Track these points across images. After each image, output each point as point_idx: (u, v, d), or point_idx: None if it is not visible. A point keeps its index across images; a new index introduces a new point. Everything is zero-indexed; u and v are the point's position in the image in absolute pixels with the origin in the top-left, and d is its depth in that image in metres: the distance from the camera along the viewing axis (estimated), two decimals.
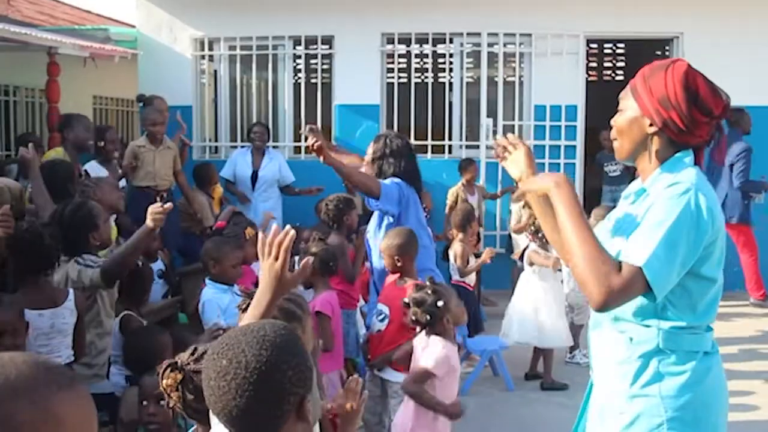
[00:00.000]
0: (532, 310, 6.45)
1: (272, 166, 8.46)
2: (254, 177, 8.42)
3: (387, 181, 4.97)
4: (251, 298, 2.37)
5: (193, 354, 2.19)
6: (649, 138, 2.36)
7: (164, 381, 2.08)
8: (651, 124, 2.34)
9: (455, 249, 7.00)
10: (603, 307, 2.18)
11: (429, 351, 3.93)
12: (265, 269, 2.10)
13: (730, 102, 2.39)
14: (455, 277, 6.95)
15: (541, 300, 6.45)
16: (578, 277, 2.21)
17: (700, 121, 2.31)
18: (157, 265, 5.88)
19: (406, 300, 4.02)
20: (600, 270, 2.14)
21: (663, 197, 2.22)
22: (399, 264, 4.62)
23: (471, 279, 7.00)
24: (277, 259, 2.07)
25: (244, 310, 2.37)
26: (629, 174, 9.32)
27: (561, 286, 6.65)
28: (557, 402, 6.02)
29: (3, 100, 10.16)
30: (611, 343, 2.37)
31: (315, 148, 4.64)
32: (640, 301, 2.23)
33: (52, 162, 5.36)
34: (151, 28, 9.89)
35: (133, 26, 10.08)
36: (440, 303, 3.89)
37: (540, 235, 6.34)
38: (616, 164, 9.61)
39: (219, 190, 8.34)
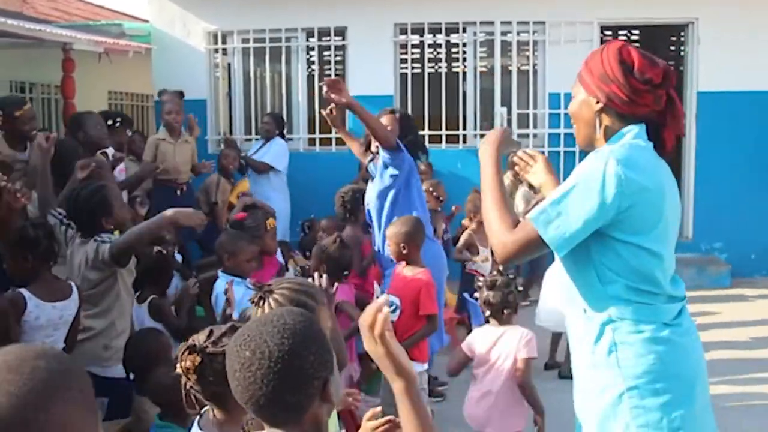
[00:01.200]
0: (558, 295, 6.44)
1: (262, 152, 8.48)
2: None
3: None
4: (262, 291, 2.39)
5: (209, 336, 2.21)
6: (596, 117, 2.51)
7: (183, 363, 2.11)
8: (597, 102, 2.50)
9: (463, 238, 7.03)
10: (503, 260, 2.45)
11: (521, 340, 4.08)
12: (374, 356, 1.78)
13: (670, 69, 2.50)
14: (470, 266, 6.95)
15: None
16: (488, 235, 2.48)
17: (641, 89, 2.43)
18: (176, 258, 5.92)
19: (480, 283, 4.19)
20: (500, 227, 2.43)
21: (579, 165, 2.38)
22: (405, 252, 4.63)
23: (485, 270, 6.98)
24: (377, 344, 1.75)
25: (256, 302, 2.38)
26: None
27: None
28: (573, 390, 6.00)
29: (21, 96, 10.23)
30: (574, 319, 2.53)
31: (331, 90, 4.75)
32: (582, 271, 2.40)
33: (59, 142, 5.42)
34: (165, 22, 9.93)
35: (147, 21, 10.12)
36: (519, 288, 4.15)
37: None
38: None
39: (245, 183, 8.34)
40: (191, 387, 2.13)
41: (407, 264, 4.69)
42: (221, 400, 2.14)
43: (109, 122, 6.57)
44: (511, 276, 4.25)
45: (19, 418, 1.00)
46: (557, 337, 6.54)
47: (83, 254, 4.06)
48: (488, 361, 4.16)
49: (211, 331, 2.26)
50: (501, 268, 4.22)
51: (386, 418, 2.35)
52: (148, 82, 10.10)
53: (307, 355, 1.65)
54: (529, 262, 8.22)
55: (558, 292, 6.47)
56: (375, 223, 5.37)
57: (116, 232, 4.53)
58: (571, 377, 6.32)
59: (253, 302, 2.40)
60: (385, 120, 5.18)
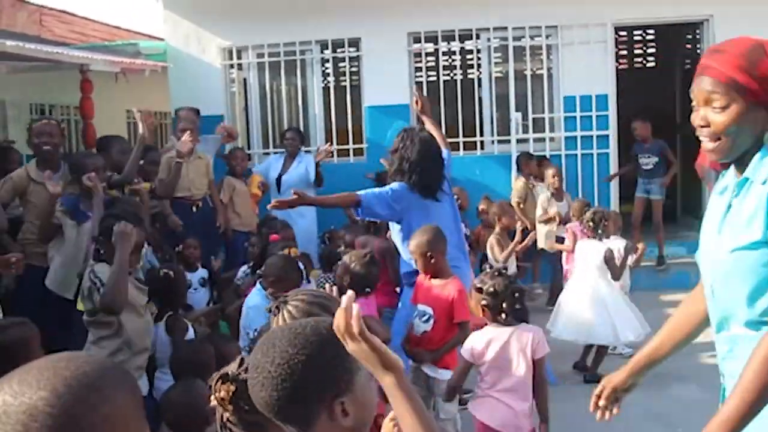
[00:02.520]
0: (585, 305, 6.41)
1: (299, 169, 8.43)
2: (279, 181, 8.47)
3: (386, 188, 5.18)
4: (278, 301, 2.40)
5: (241, 365, 2.17)
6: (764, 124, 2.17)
7: (217, 394, 2.00)
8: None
9: (490, 241, 7.02)
10: None
11: (533, 340, 4.01)
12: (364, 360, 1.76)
13: None
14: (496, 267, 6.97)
15: (597, 295, 6.41)
16: None
17: None
18: (200, 273, 5.96)
19: (479, 285, 4.06)
20: None
21: None
22: (432, 261, 4.62)
23: (511, 268, 6.98)
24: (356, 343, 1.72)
25: (273, 312, 2.39)
26: (663, 166, 9.20)
27: (607, 279, 6.56)
28: None
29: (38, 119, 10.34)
30: (745, 341, 2.27)
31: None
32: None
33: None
34: (180, 40, 10.00)
35: (162, 39, 10.20)
36: (516, 292, 4.00)
37: (598, 230, 6.38)
38: (649, 156, 9.33)
39: (257, 178, 8.39)
40: (228, 420, 2.02)
41: (434, 274, 4.67)
42: (259, 430, 2.03)
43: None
44: (509, 277, 4.13)
45: (72, 395, 1.04)
46: (603, 349, 6.50)
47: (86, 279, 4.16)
48: (501, 364, 4.06)
49: (242, 360, 2.20)
50: (500, 269, 4.17)
51: None
52: (165, 99, 10.17)
53: (309, 367, 1.62)
54: (551, 269, 8.20)
55: (575, 303, 6.46)
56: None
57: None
58: (594, 381, 6.30)
59: (269, 311, 2.42)
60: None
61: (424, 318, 4.58)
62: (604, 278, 6.44)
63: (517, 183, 8.78)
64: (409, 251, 4.82)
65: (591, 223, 6.44)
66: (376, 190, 5.19)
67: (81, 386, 1.06)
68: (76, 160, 5.59)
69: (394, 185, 5.16)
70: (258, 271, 4.88)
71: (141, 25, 10.69)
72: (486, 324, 4.14)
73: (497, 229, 7.08)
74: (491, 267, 6.82)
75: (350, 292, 1.62)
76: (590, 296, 6.40)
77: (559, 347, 6.78)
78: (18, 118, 9.87)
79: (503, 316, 4.02)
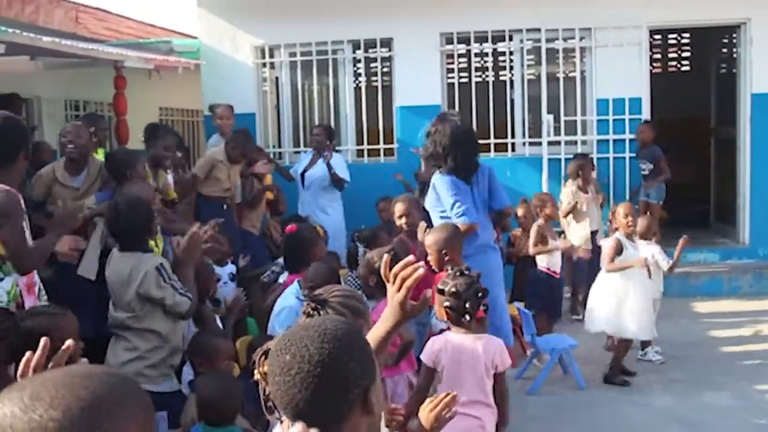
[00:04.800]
0: (616, 300, 6.37)
1: (322, 166, 8.45)
2: (303, 177, 8.52)
3: (434, 189, 5.20)
4: (314, 302, 2.39)
5: None
6: None
7: (260, 368, 2.03)
8: None
9: (533, 228, 7.00)
10: None
11: (495, 352, 3.83)
12: (389, 296, 2.15)
13: None
14: (541, 264, 6.95)
15: (624, 290, 6.37)
16: None
17: None
18: (229, 268, 5.98)
19: (441, 286, 3.85)
20: None
21: None
22: (447, 258, 4.59)
23: (556, 266, 6.93)
24: (399, 290, 2.10)
25: (309, 315, 2.38)
26: (656, 173, 9.02)
27: (645, 278, 6.50)
28: (630, 401, 5.91)
29: (74, 115, 10.46)
30: None
31: None
32: None
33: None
34: (213, 38, 10.06)
35: (196, 37, 10.27)
36: (480, 293, 3.78)
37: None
38: (645, 162, 9.09)
39: (268, 176, 8.40)
40: (270, 393, 2.09)
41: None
42: None
43: None
44: (472, 277, 3.86)
45: (86, 421, 1.00)
46: (627, 344, 6.43)
47: (127, 269, 4.13)
48: (457, 372, 3.84)
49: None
50: (460, 269, 3.93)
51: (444, 393, 2.33)
52: (197, 97, 10.24)
53: (348, 360, 1.63)
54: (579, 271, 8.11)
55: (611, 297, 6.40)
56: None
57: (154, 245, 4.61)
58: (612, 382, 6.23)
59: (306, 314, 2.40)
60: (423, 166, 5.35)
61: None
62: (640, 274, 6.40)
63: (566, 188, 8.65)
64: (426, 246, 4.79)
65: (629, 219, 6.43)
66: (450, 203, 5.22)
67: (94, 409, 1.01)
68: (116, 160, 5.63)
69: (442, 181, 5.19)
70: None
71: (175, 23, 10.77)
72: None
73: (541, 221, 7.02)
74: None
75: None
76: (619, 291, 6.35)
77: (586, 353, 6.74)
78: (53, 114, 10.00)
79: (467, 318, 3.80)
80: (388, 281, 2.09)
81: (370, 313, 2.47)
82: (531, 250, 7.01)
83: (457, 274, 3.87)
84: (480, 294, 3.82)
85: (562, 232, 7.76)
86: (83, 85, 10.23)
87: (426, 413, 2.26)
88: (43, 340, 1.72)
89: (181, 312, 4.02)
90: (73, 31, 9.82)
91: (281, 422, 1.91)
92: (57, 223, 3.84)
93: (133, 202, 4.27)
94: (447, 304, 3.84)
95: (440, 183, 5.32)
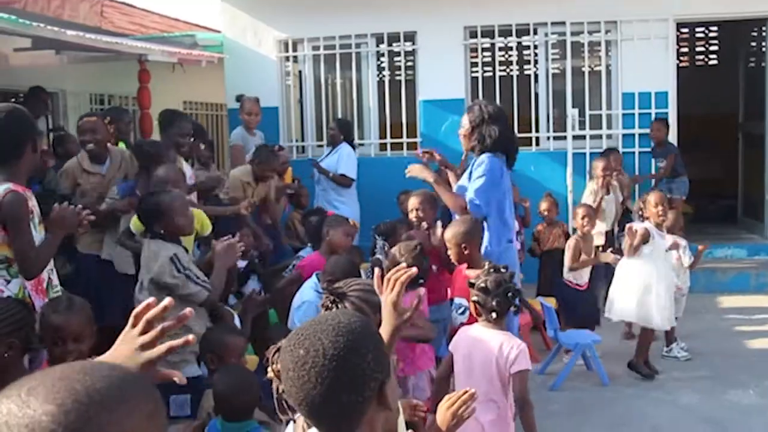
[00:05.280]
0: (639, 288, 6.27)
1: (330, 160, 8.42)
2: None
3: (479, 165, 4.88)
4: (333, 295, 2.37)
5: None
6: None
7: (273, 366, 2.02)
8: None
9: (568, 242, 6.88)
10: None
11: (517, 349, 3.76)
12: (384, 302, 2.18)
13: None
14: (566, 277, 6.83)
15: (647, 278, 6.27)
16: None
17: None
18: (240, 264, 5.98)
19: (472, 280, 3.84)
20: None
21: None
22: (466, 252, 4.55)
23: (582, 279, 6.83)
24: (392, 291, 2.16)
25: (327, 308, 2.36)
26: (679, 168, 8.89)
27: (669, 269, 6.42)
28: (655, 398, 5.84)
29: (99, 109, 10.52)
30: None
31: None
32: None
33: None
34: (237, 32, 10.08)
35: (219, 31, 10.29)
36: (510, 292, 3.73)
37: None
38: (661, 161, 8.97)
39: (290, 171, 8.39)
40: (283, 391, 1.95)
41: (468, 265, 4.60)
42: None
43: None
44: (504, 276, 3.82)
45: (81, 415, 0.97)
46: (650, 334, 6.35)
47: (147, 254, 4.19)
48: (469, 366, 3.82)
49: None
50: (496, 266, 3.91)
51: (462, 390, 2.30)
52: (221, 91, 10.26)
53: (364, 353, 1.60)
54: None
55: (635, 286, 6.31)
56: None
57: (185, 240, 4.61)
58: (638, 372, 6.15)
59: (325, 307, 2.38)
60: (464, 142, 5.07)
61: (460, 310, 4.49)
62: (665, 263, 6.33)
63: (591, 184, 8.56)
64: (446, 240, 4.72)
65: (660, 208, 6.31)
66: (475, 186, 4.87)
67: (92, 404, 0.97)
68: (143, 151, 5.67)
69: (482, 160, 4.90)
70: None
71: (199, 17, 10.80)
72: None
73: (579, 232, 6.89)
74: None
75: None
76: (648, 278, 6.26)
77: (612, 348, 6.68)
78: (78, 107, 10.05)
79: (493, 315, 3.79)
80: (381, 293, 2.14)
81: None
82: (570, 267, 6.78)
83: (491, 270, 3.86)
84: (510, 294, 3.79)
85: (598, 246, 7.50)
86: (108, 79, 10.28)
87: (443, 411, 2.23)
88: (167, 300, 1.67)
89: (196, 302, 4.01)
90: (98, 25, 9.88)
91: (294, 422, 1.89)
92: (55, 222, 3.79)
93: (160, 188, 4.28)
94: (475, 298, 3.83)
95: (494, 162, 4.91)
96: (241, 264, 5.64)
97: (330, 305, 2.38)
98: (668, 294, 6.32)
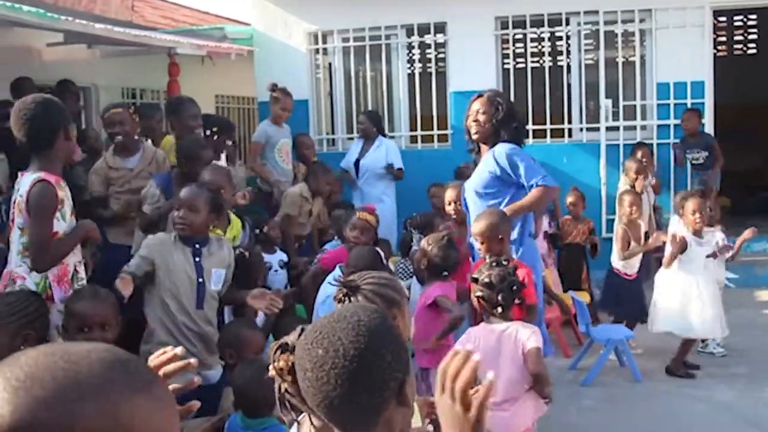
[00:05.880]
0: (680, 299, 6.14)
1: (377, 154, 8.36)
2: (357, 165, 8.44)
3: (508, 156, 4.75)
4: (347, 288, 2.31)
5: (301, 334, 2.13)
6: None
7: (276, 364, 1.92)
8: None
9: (616, 231, 6.77)
10: None
11: (530, 330, 3.70)
12: (454, 413, 1.45)
13: None
14: (615, 266, 6.73)
15: (688, 288, 6.13)
16: None
17: None
18: (278, 256, 5.96)
19: (475, 275, 3.75)
20: None
21: None
22: (500, 244, 4.44)
23: (632, 268, 6.71)
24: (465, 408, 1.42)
25: (341, 300, 2.31)
26: (712, 160, 8.67)
27: (710, 276, 6.27)
28: (689, 395, 5.71)
29: (131, 102, 10.58)
30: None
31: None
32: None
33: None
34: (266, 24, 10.06)
35: (249, 24, 10.28)
36: (515, 285, 3.63)
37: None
38: (698, 151, 8.74)
39: None
40: (286, 390, 1.92)
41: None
42: None
43: (207, 132, 6.29)
44: (507, 269, 3.74)
45: (28, 419, 0.87)
46: (690, 344, 6.20)
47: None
48: (493, 361, 3.70)
49: (302, 329, 2.18)
50: (498, 260, 3.81)
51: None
52: (251, 85, 10.25)
53: (384, 353, 1.55)
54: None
55: (676, 296, 6.16)
56: (471, 215, 5.00)
57: (218, 231, 4.59)
58: (676, 375, 6.01)
59: (338, 300, 2.33)
60: (477, 104, 4.93)
61: None
62: (705, 271, 6.16)
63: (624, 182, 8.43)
64: (473, 233, 4.61)
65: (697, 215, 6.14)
66: (503, 150, 4.75)
67: (69, 389, 0.89)
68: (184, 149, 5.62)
69: (506, 151, 4.76)
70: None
71: (229, 9, 10.81)
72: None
73: (626, 219, 6.76)
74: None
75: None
76: (689, 288, 6.12)
77: (643, 344, 6.55)
78: (110, 102, 10.11)
79: (499, 310, 3.72)
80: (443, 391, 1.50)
81: (406, 303, 2.38)
82: (620, 258, 6.68)
83: (493, 264, 3.76)
84: (515, 287, 3.70)
85: (646, 232, 7.33)
86: (139, 73, 10.33)
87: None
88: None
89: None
90: (129, 19, 9.92)
91: (298, 423, 1.83)
92: (82, 227, 3.82)
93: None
94: (479, 293, 3.75)
95: (513, 152, 4.79)
96: (269, 259, 5.62)
97: (342, 298, 2.32)
98: (712, 301, 6.13)
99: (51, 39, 8.85)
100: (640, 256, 6.72)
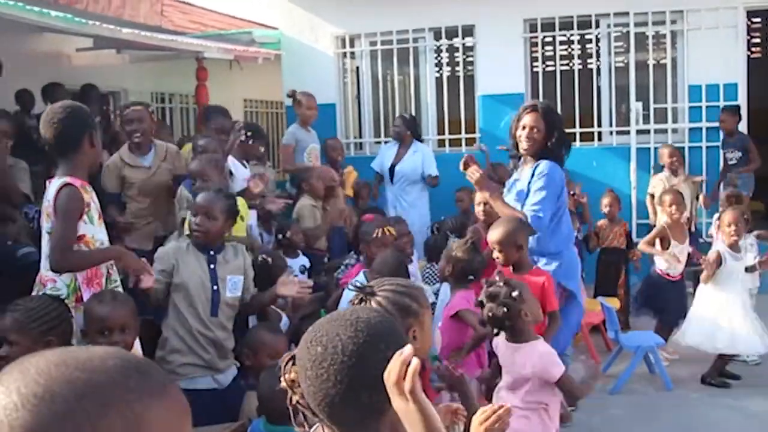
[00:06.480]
0: (715, 315, 5.99)
1: (413, 159, 8.26)
2: (392, 170, 8.33)
3: (542, 176, 4.74)
4: (363, 292, 2.27)
5: None
6: None
7: (288, 375, 1.86)
8: None
9: (656, 228, 6.72)
10: None
11: (542, 358, 3.51)
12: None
13: None
14: (659, 266, 6.64)
15: (720, 304, 6.00)
16: None
17: None
18: (300, 261, 5.92)
19: (480, 298, 3.64)
20: None
21: None
22: (516, 253, 4.38)
23: (676, 269, 6.60)
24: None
25: (357, 304, 2.27)
26: (745, 162, 8.48)
27: (746, 291, 6.14)
28: (722, 404, 5.59)
29: (160, 107, 10.65)
30: None
31: None
32: None
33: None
34: (294, 28, 10.07)
35: (276, 28, 10.28)
36: (515, 294, 3.48)
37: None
38: (732, 151, 8.52)
39: (354, 173, 8.29)
40: (297, 401, 1.86)
41: (514, 268, 4.44)
42: None
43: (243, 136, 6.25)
44: (500, 289, 3.56)
45: (64, 407, 0.86)
46: (727, 359, 6.03)
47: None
48: (507, 378, 3.66)
49: None
50: (490, 281, 3.66)
51: (497, 404, 2.19)
52: (278, 89, 10.26)
53: (383, 349, 1.52)
54: None
55: (711, 311, 6.02)
56: None
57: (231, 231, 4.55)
58: (712, 384, 5.86)
59: (353, 304, 2.29)
60: (532, 119, 4.89)
61: None
62: (741, 286, 6.03)
63: (654, 178, 8.33)
64: (490, 241, 4.55)
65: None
66: (537, 198, 4.75)
67: (67, 396, 0.87)
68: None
69: (545, 170, 4.76)
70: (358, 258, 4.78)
71: (257, 14, 10.80)
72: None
73: (669, 220, 6.64)
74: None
75: (409, 346, 1.46)
76: (720, 305, 5.98)
77: (681, 353, 6.42)
78: None
79: (507, 322, 3.56)
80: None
81: (426, 312, 2.31)
82: (640, 245, 6.72)
83: (488, 286, 3.63)
84: (506, 307, 3.50)
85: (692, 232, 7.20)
86: (168, 78, 10.39)
87: (476, 426, 2.11)
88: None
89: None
90: (158, 24, 9.95)
91: None
92: (123, 256, 3.84)
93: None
94: (490, 313, 3.59)
95: (548, 176, 4.76)
96: (292, 263, 5.59)
97: (356, 304, 2.28)
98: (747, 317, 5.97)
99: (81, 44, 8.93)
100: (685, 258, 6.59)
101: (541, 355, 3.49)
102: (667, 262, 6.53)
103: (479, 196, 5.63)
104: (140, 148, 5.56)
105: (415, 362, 1.40)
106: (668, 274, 6.56)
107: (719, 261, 5.97)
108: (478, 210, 5.67)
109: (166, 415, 0.94)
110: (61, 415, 0.86)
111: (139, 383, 0.92)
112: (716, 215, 6.63)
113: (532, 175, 4.80)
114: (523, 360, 3.52)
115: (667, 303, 6.55)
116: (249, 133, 6.21)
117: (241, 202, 4.95)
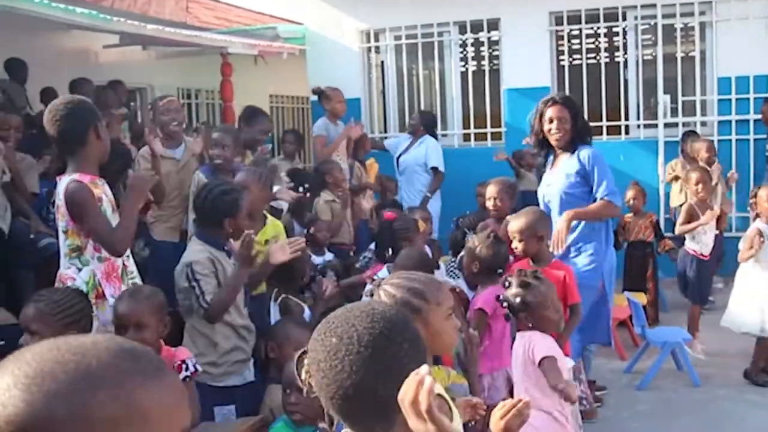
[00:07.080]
0: (756, 297, 5.84)
1: (417, 150, 8.20)
2: (398, 161, 8.33)
3: (594, 161, 4.91)
4: (375, 285, 2.25)
5: None
6: None
7: (305, 376, 1.84)
8: None
9: (684, 209, 6.70)
10: None
11: (529, 342, 3.51)
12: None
13: None
14: (690, 245, 6.63)
15: (765, 285, 5.86)
16: None
17: None
18: (326, 257, 5.91)
19: (510, 278, 3.64)
20: None
21: None
22: (537, 245, 4.36)
23: (706, 249, 6.56)
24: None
25: (370, 294, 2.25)
26: None
27: None
28: (750, 400, 5.50)
29: (186, 103, 10.71)
30: None
31: None
32: None
33: None
34: (318, 23, 10.07)
35: (301, 23, 10.29)
36: (543, 288, 3.49)
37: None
38: None
39: (376, 165, 8.28)
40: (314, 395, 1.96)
41: (533, 260, 4.39)
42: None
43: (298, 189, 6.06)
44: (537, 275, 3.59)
45: (41, 414, 0.86)
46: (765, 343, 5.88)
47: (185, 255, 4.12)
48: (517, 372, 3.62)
49: None
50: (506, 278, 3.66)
51: (516, 399, 2.16)
52: (303, 84, 10.27)
53: (400, 341, 1.50)
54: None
55: (751, 294, 5.91)
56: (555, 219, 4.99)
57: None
58: (750, 380, 5.70)
59: (367, 296, 2.29)
60: (555, 111, 4.94)
61: None
62: None
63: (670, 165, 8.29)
64: (510, 231, 4.54)
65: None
66: (607, 180, 4.92)
67: (58, 375, 0.88)
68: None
69: (591, 154, 4.94)
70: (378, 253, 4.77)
71: (281, 9, 10.81)
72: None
73: (695, 198, 6.65)
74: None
75: (425, 366, 1.40)
76: (760, 288, 5.87)
77: (711, 347, 6.34)
78: None
79: (524, 316, 3.54)
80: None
81: (433, 310, 2.26)
82: (677, 230, 6.73)
83: (522, 270, 3.64)
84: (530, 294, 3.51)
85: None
86: (194, 74, 10.45)
87: (496, 420, 2.08)
88: None
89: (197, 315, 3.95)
90: (183, 20, 10.00)
91: None
92: (132, 190, 3.79)
93: (220, 188, 4.20)
94: (509, 301, 3.60)
95: (598, 158, 4.97)
96: (318, 261, 5.58)
97: (371, 296, 2.26)
98: None
99: (107, 41, 9.00)
100: (712, 237, 6.57)
101: (530, 337, 3.51)
102: (698, 243, 6.51)
103: (491, 190, 5.62)
104: (174, 137, 5.58)
105: (429, 381, 1.35)
106: (695, 251, 6.54)
107: (759, 240, 5.81)
108: (489, 204, 5.66)
109: (161, 399, 0.94)
110: (52, 394, 0.87)
111: (132, 366, 0.93)
112: (751, 191, 6.47)
113: (579, 162, 4.93)
114: (518, 345, 3.55)
115: (691, 281, 6.59)
116: (306, 186, 6.08)
117: (275, 224, 4.97)
